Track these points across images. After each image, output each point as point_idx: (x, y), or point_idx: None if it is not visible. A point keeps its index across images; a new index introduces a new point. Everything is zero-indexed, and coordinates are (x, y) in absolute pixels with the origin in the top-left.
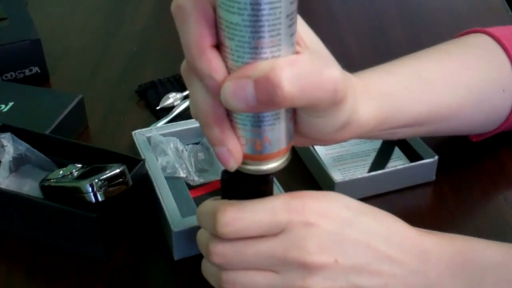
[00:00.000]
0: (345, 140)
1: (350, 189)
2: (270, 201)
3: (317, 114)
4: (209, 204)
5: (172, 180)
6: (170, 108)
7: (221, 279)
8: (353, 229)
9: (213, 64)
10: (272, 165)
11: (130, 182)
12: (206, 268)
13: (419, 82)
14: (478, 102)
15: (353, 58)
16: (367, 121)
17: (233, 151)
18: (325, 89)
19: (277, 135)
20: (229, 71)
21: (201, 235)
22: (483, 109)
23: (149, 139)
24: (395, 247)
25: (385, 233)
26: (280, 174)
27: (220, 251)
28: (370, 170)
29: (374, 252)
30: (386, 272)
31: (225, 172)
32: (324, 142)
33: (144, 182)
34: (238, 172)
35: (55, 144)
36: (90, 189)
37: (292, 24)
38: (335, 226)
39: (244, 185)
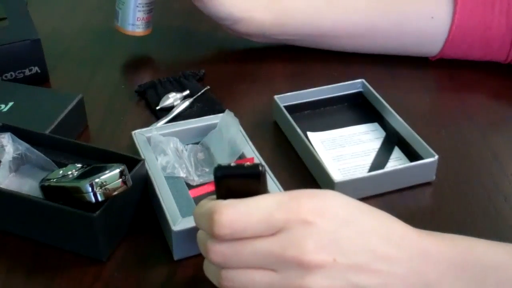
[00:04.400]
0: (243, 34)
1: (350, 189)
2: (266, 201)
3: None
4: (205, 205)
5: (172, 180)
6: (170, 108)
7: (220, 277)
8: (351, 228)
9: None
10: None
11: (130, 182)
12: (207, 266)
13: (327, 3)
14: (398, 26)
15: (354, 58)
16: (261, 21)
17: None
18: None
19: None
20: None
21: (201, 234)
22: (407, 33)
23: (149, 139)
24: (394, 246)
25: (384, 232)
26: (280, 174)
27: (218, 250)
28: (370, 170)
29: (373, 251)
30: (385, 271)
31: (218, 169)
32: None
33: (144, 182)
34: (230, 167)
35: (55, 144)
36: (90, 189)
37: None
38: (333, 224)
39: (237, 180)
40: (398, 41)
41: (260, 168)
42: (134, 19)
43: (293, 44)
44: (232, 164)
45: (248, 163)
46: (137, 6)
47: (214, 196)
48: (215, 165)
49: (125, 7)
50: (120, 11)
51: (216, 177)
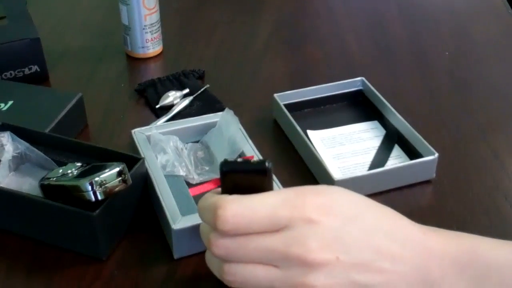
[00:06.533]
0: None
1: (350, 187)
2: (271, 197)
3: None
4: (209, 199)
5: (171, 178)
6: (170, 106)
7: (223, 270)
8: (355, 226)
9: None
10: None
11: (130, 181)
12: (210, 259)
13: None
14: None
15: (353, 56)
16: None
17: None
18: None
19: None
20: None
21: (204, 227)
22: None
23: (148, 137)
24: (398, 243)
25: (388, 229)
26: (280, 172)
27: (221, 244)
28: (370, 168)
29: (376, 249)
30: (388, 269)
31: (224, 164)
32: None
33: (144, 181)
34: (236, 162)
35: (54, 142)
36: (89, 188)
37: None
38: (337, 222)
39: (243, 176)
40: None
41: (267, 164)
42: (143, 41)
43: None
44: (239, 160)
45: (255, 159)
46: (143, 29)
47: (219, 190)
48: (221, 161)
49: (131, 32)
50: (128, 37)
51: (222, 172)
